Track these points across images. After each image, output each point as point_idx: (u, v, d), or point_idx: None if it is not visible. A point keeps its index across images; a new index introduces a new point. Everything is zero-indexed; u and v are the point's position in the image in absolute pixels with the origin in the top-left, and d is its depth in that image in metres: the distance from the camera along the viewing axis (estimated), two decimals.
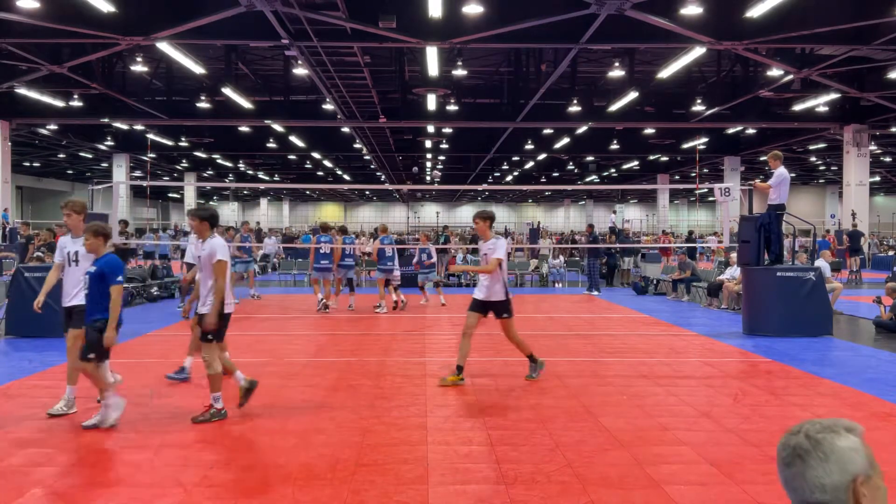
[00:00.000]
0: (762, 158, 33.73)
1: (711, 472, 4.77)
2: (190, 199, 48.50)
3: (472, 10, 14.39)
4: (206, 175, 48.58)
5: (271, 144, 33.93)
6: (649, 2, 13.78)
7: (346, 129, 31.28)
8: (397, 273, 14.63)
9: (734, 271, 14.67)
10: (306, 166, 46.55)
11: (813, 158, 39.59)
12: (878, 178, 46.71)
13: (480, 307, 7.48)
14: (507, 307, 7.44)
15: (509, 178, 50.54)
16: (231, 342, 10.30)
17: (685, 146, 32.68)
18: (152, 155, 36.62)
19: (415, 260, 16.47)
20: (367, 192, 68.90)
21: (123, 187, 28.51)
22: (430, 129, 29.82)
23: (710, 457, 5.05)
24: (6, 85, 21.24)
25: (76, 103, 23.89)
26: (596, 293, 18.23)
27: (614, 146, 33.31)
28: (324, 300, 14.07)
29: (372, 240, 18.80)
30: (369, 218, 66.99)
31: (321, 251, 14.05)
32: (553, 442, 5.40)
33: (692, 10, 14.26)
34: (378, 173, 49.54)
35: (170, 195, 64.68)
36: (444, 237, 23.52)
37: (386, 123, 26.02)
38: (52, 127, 29.56)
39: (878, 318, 11.56)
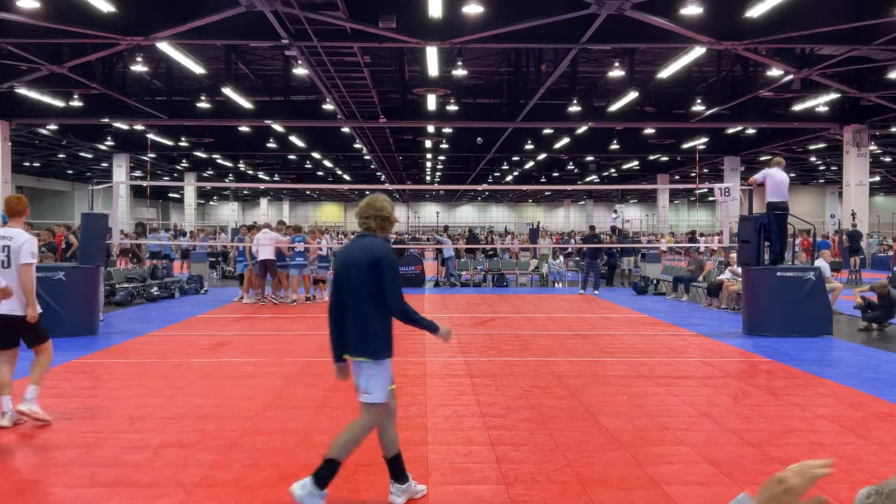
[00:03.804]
0: (762, 158, 33.74)
1: (711, 472, 4.77)
2: (190, 199, 48.58)
3: (472, 10, 14.39)
4: (206, 175, 48.60)
5: (271, 144, 33.92)
6: (649, 2, 13.77)
7: (346, 129, 31.28)
8: (312, 267, 16.34)
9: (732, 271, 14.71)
10: (306, 166, 46.56)
11: (813, 158, 39.59)
12: (878, 178, 46.71)
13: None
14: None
15: (509, 178, 50.53)
16: (232, 342, 10.35)
17: (685, 146, 32.68)
18: (152, 155, 36.63)
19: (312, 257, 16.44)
20: (367, 192, 68.69)
21: (123, 187, 28.61)
22: (430, 129, 29.82)
23: (710, 457, 5.06)
24: (6, 85, 21.24)
25: (76, 103, 23.88)
26: (596, 293, 18.30)
27: (614, 146, 33.30)
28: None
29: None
30: None
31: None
32: (553, 442, 5.40)
33: (692, 10, 14.26)
34: (378, 173, 49.54)
35: (170, 195, 64.73)
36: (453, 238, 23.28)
37: (386, 123, 26.01)
38: (52, 127, 29.56)
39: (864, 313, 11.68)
